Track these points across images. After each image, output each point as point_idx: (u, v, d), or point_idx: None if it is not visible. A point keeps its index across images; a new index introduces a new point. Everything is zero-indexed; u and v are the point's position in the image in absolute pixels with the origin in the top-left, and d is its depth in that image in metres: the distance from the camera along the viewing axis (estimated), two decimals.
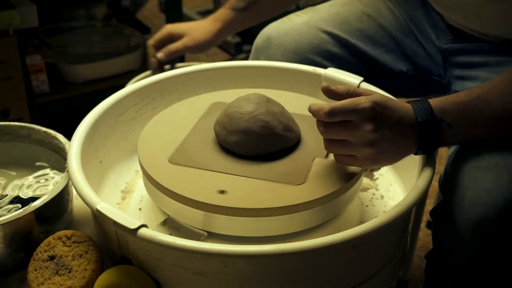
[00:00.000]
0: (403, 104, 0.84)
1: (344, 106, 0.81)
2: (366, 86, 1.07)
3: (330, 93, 0.85)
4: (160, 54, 1.34)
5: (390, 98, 0.84)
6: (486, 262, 0.84)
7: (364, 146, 0.81)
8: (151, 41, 1.36)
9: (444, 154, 1.77)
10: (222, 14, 1.30)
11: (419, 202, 0.87)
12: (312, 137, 0.94)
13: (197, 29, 1.32)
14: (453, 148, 0.92)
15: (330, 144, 0.85)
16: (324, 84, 0.86)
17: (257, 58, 1.21)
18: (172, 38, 1.34)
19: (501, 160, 0.83)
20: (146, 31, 2.24)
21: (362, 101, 0.81)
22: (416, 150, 0.84)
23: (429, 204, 1.47)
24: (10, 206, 0.98)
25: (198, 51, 1.34)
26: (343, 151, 0.84)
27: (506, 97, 0.82)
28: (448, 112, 0.83)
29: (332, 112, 0.81)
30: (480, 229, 0.81)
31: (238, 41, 2.59)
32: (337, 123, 0.82)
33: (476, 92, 0.84)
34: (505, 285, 0.86)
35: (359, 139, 0.81)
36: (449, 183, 0.87)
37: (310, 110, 0.84)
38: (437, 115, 0.83)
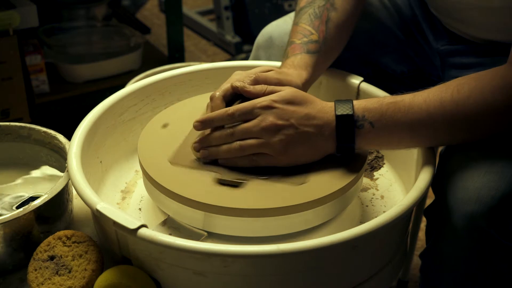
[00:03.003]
0: (322, 102, 0.88)
1: (244, 106, 0.87)
2: (366, 86, 1.07)
3: (248, 94, 0.90)
4: None
5: (303, 96, 0.87)
6: (479, 259, 0.84)
7: (271, 137, 0.85)
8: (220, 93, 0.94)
9: None
10: (301, 60, 1.00)
11: (419, 202, 0.87)
12: None
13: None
14: (443, 148, 0.92)
15: (241, 149, 0.87)
16: (237, 84, 0.90)
17: (257, 56, 1.20)
18: None
19: (490, 158, 0.84)
20: (146, 31, 2.24)
21: (261, 100, 0.87)
22: (335, 146, 0.86)
23: (423, 212, 1.46)
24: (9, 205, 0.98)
25: None
26: (256, 149, 0.86)
27: (432, 102, 0.83)
28: (371, 110, 0.85)
29: (234, 113, 0.87)
30: (471, 227, 0.81)
31: (238, 41, 2.59)
32: (242, 123, 0.87)
33: (402, 95, 0.86)
34: (498, 283, 0.86)
35: (264, 132, 0.85)
36: (440, 182, 0.87)
37: (208, 118, 0.89)
38: (359, 113, 0.85)
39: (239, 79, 0.92)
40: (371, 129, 0.85)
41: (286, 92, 0.87)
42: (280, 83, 0.92)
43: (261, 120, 0.85)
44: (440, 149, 0.95)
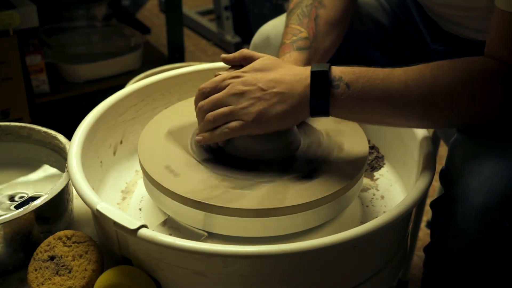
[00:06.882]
0: (296, 66, 0.90)
1: (214, 79, 0.89)
2: None
3: (226, 61, 0.93)
4: None
5: (274, 63, 0.89)
6: (488, 251, 0.83)
7: (239, 102, 0.86)
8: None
9: (444, 154, 1.77)
10: (291, 57, 1.01)
11: (419, 203, 0.87)
12: None
13: None
14: (453, 138, 0.92)
15: (213, 119, 0.88)
16: (222, 55, 0.94)
17: None
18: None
19: (500, 146, 0.83)
20: (146, 31, 2.24)
21: (231, 71, 0.90)
22: (308, 108, 0.86)
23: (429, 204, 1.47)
24: (9, 204, 0.98)
25: None
26: (226, 117, 0.87)
27: (411, 75, 0.84)
28: (348, 72, 0.85)
29: (205, 87, 0.89)
30: (482, 217, 0.80)
31: (238, 41, 2.59)
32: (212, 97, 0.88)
33: (382, 67, 0.86)
34: (506, 275, 0.85)
35: (232, 98, 0.86)
36: (450, 173, 0.86)
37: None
38: (336, 73, 0.85)
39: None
40: (346, 91, 0.84)
41: (257, 61, 0.89)
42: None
43: (229, 89, 0.87)
44: (441, 145, 0.95)
